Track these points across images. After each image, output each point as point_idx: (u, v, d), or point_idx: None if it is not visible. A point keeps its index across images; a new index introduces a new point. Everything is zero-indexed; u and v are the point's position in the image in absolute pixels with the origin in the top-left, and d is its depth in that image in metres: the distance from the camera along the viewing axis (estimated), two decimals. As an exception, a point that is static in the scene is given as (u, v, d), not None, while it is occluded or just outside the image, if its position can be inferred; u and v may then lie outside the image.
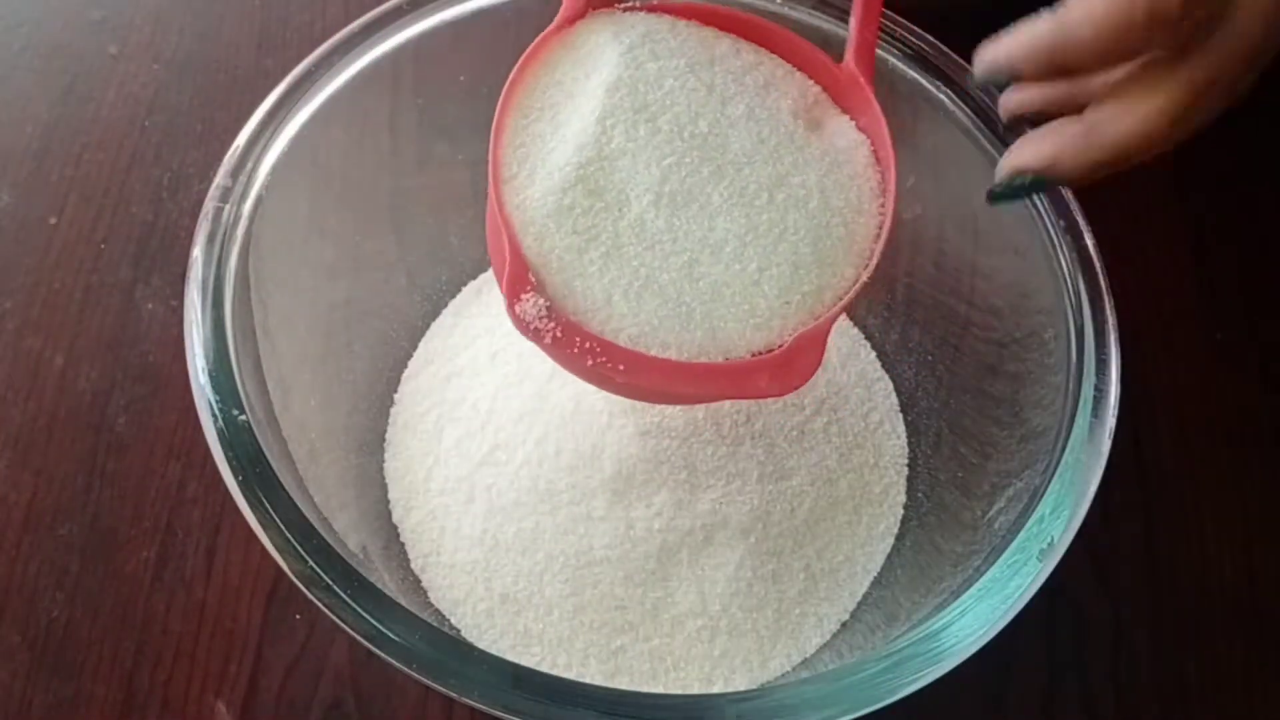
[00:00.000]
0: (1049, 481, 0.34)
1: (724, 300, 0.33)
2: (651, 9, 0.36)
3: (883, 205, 0.35)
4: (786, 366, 0.33)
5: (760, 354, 0.33)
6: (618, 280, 0.32)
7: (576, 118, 0.33)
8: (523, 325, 0.32)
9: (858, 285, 0.34)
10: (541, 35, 0.35)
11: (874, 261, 0.34)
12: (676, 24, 0.36)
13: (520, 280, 0.32)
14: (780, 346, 0.33)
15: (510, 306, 0.32)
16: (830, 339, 0.46)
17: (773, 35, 0.37)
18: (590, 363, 0.32)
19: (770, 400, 0.43)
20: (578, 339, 0.32)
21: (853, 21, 0.37)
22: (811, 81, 0.37)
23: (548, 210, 0.33)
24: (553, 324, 0.32)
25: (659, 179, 0.33)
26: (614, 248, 0.33)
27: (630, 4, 0.36)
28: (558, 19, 0.35)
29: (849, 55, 0.36)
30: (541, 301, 0.32)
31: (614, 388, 0.36)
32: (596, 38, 0.35)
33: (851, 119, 0.36)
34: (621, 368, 0.32)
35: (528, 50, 0.35)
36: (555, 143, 0.34)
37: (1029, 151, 0.33)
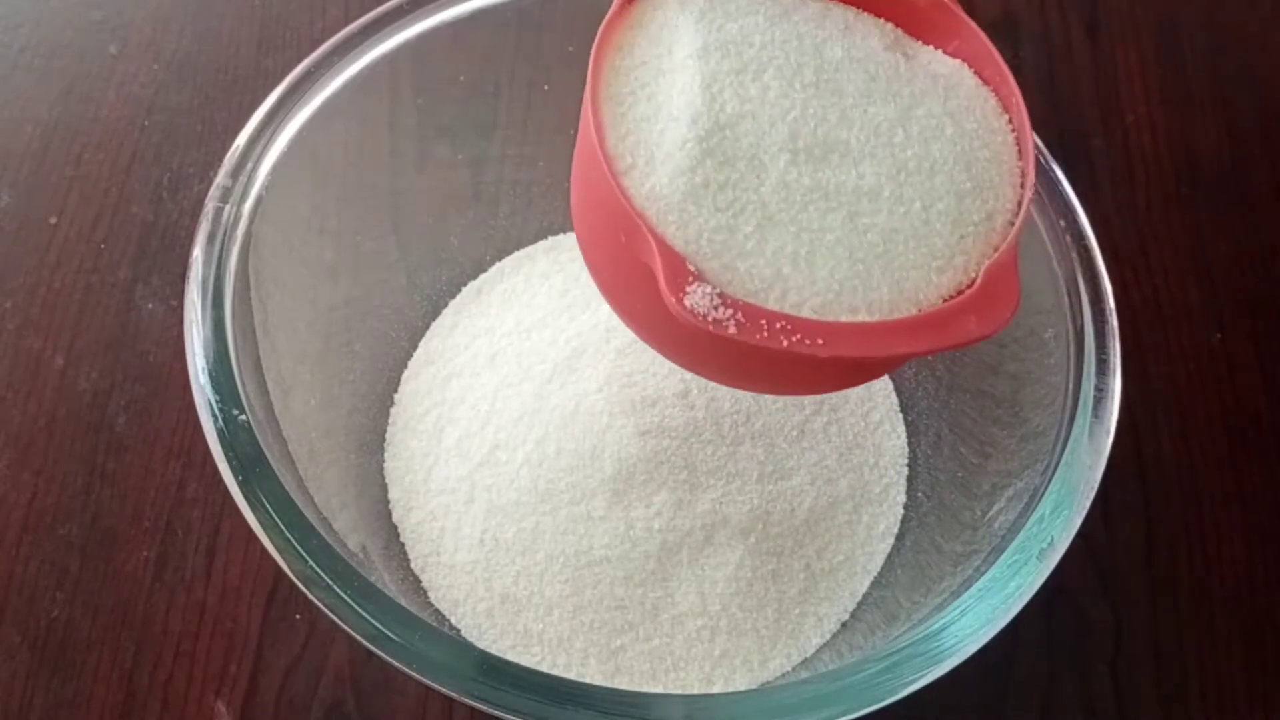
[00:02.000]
0: (1049, 481, 0.34)
1: (899, 248, 0.30)
2: None
3: (1011, 121, 0.33)
4: (987, 302, 0.30)
5: (951, 297, 0.31)
6: (781, 250, 0.30)
7: (677, 93, 0.31)
8: (697, 318, 0.29)
9: (1025, 205, 0.32)
10: (606, 20, 0.33)
11: (1030, 178, 0.32)
12: None
13: (680, 272, 0.29)
14: (970, 284, 0.31)
15: (679, 302, 0.29)
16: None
17: None
18: (785, 342, 0.29)
19: (770, 400, 0.43)
20: (763, 321, 0.29)
21: None
22: (884, 21, 0.35)
23: (681, 194, 0.30)
24: (731, 311, 0.29)
25: (788, 135, 0.31)
26: (765, 218, 0.30)
27: None
28: (616, 2, 0.33)
29: None
30: (710, 289, 0.29)
31: (804, 379, 0.33)
32: (662, 12, 0.33)
33: (937, 49, 0.34)
34: (820, 342, 0.29)
35: (597, 39, 0.32)
36: (662, 123, 0.31)
37: None
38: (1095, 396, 0.35)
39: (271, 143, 0.38)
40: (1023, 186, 0.32)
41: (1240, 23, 0.60)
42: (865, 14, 0.35)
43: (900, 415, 0.46)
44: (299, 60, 0.40)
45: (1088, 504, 0.34)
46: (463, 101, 0.45)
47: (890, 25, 0.35)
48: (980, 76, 0.34)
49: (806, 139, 0.31)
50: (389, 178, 0.46)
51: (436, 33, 0.41)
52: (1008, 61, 0.34)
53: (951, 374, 0.44)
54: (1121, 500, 0.47)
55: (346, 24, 0.41)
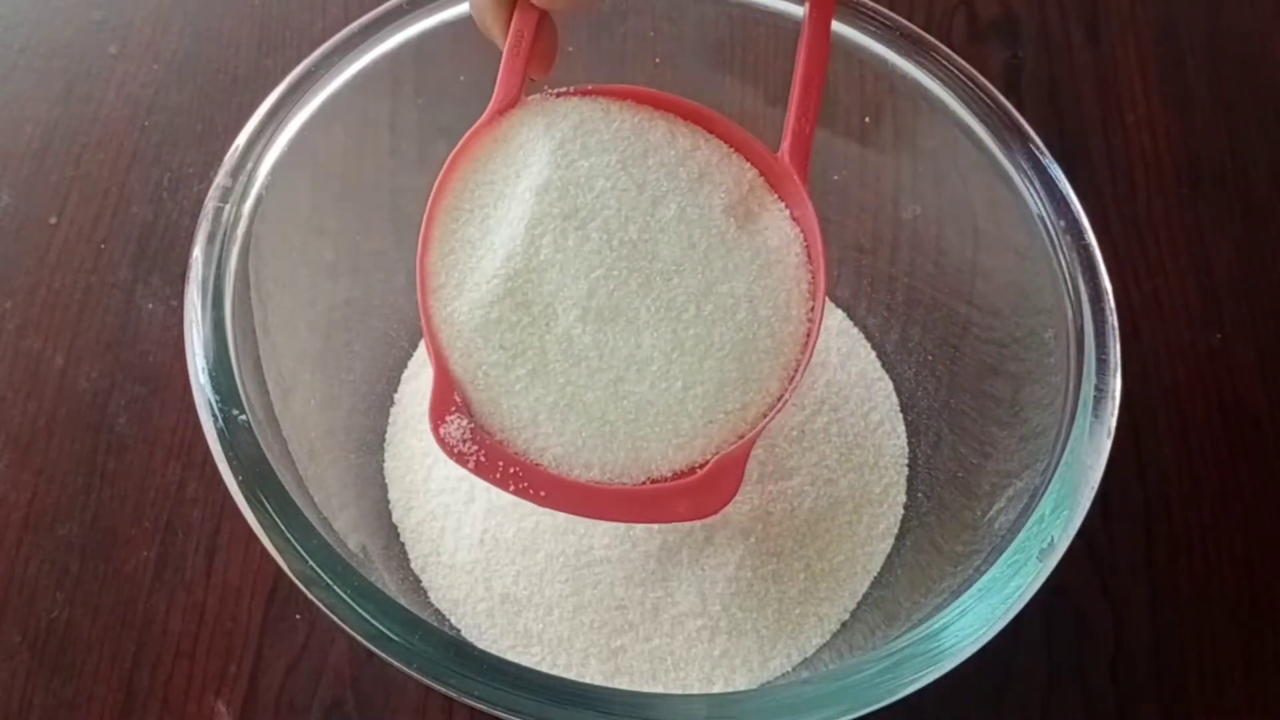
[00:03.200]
0: (1049, 481, 0.34)
1: (648, 420, 0.33)
2: (585, 93, 0.35)
3: (811, 310, 0.35)
4: (705, 491, 0.33)
5: (682, 473, 0.33)
6: (543, 398, 0.32)
7: (506, 224, 0.33)
8: (447, 448, 0.32)
9: (781, 404, 0.34)
10: (474, 127, 0.34)
11: (799, 377, 0.34)
12: (610, 109, 0.35)
13: (445, 402, 0.32)
14: (702, 466, 0.33)
15: (435, 429, 0.32)
16: (830, 339, 0.47)
17: (710, 119, 0.36)
18: (513, 488, 0.33)
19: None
20: (500, 463, 0.32)
21: (790, 110, 0.35)
22: (748, 165, 0.36)
23: (475, 324, 0.32)
24: (476, 448, 0.32)
25: (586, 292, 0.32)
26: (540, 364, 0.32)
27: (564, 90, 0.35)
28: (489, 109, 0.34)
29: (785, 146, 0.35)
30: (465, 423, 0.32)
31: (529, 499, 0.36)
32: (528, 131, 0.34)
33: (787, 207, 0.36)
34: (543, 494, 0.33)
35: (460, 143, 0.34)
36: (484, 250, 0.33)
37: None
38: (1095, 396, 0.35)
39: (271, 143, 0.38)
40: (791, 382, 0.34)
41: (1240, 23, 0.60)
42: (734, 154, 0.36)
43: (900, 415, 0.46)
44: (299, 60, 0.40)
45: (1088, 504, 0.34)
46: (463, 101, 0.45)
47: (753, 172, 0.36)
48: (809, 254, 0.35)
49: (600, 300, 0.33)
50: (389, 178, 0.46)
51: (436, 33, 0.41)
52: (1007, 62, 0.34)
53: (951, 374, 0.44)
54: (1121, 500, 0.47)
55: (346, 24, 0.41)
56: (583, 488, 0.33)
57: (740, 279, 0.34)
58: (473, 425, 0.32)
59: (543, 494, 0.33)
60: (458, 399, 0.32)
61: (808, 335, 0.34)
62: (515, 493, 0.32)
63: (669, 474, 0.33)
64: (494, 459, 0.32)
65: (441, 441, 0.32)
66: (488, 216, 0.33)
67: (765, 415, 0.34)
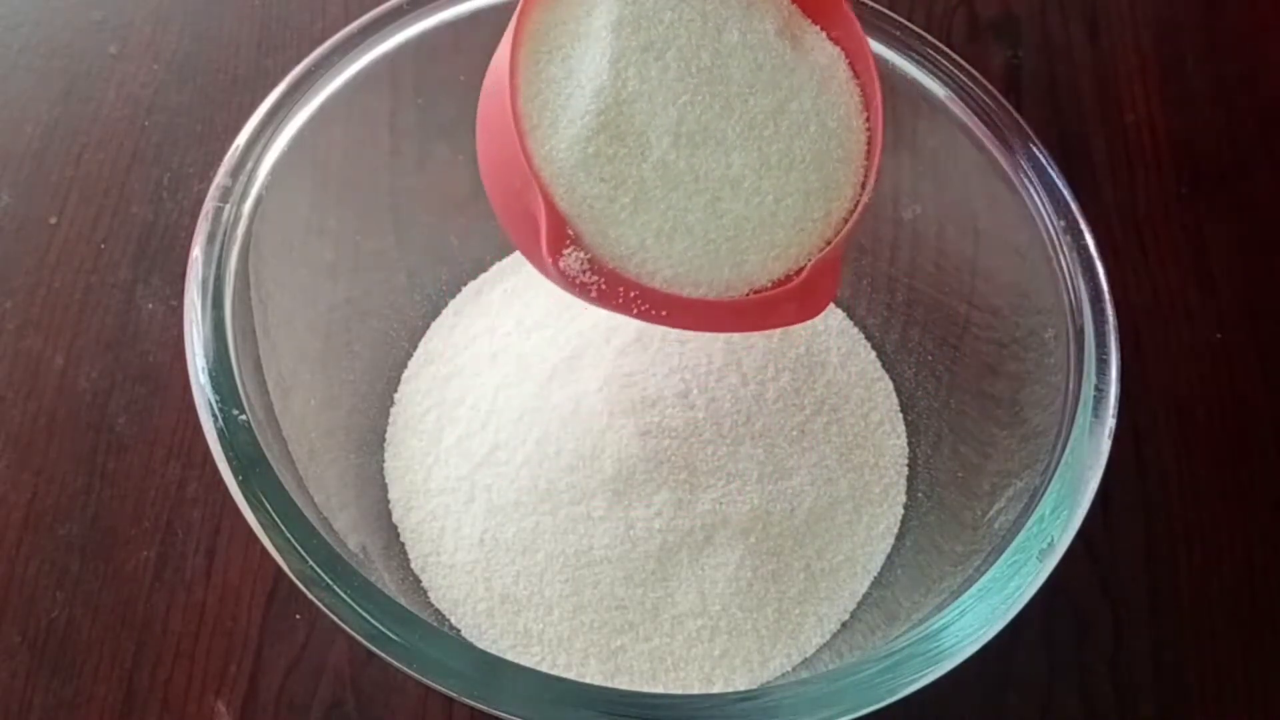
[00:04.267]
0: (1049, 481, 0.34)
1: (746, 235, 0.34)
2: None
3: (868, 120, 0.36)
4: (808, 293, 0.34)
5: (780, 281, 0.34)
6: (649, 224, 0.33)
7: (589, 61, 0.34)
8: (568, 281, 0.33)
9: (860, 208, 0.35)
10: None
11: (871, 181, 0.35)
12: None
13: (560, 236, 0.33)
14: (798, 273, 0.34)
15: (554, 263, 0.32)
16: (830, 339, 0.47)
17: None
18: (635, 311, 0.33)
19: (770, 400, 0.43)
20: (621, 289, 0.33)
21: None
22: None
23: (575, 160, 0.33)
24: (597, 277, 0.33)
25: (676, 119, 0.33)
26: (641, 193, 0.33)
27: None
28: None
29: None
30: (582, 255, 0.33)
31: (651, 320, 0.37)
32: None
33: (823, 31, 0.37)
34: (664, 313, 0.33)
35: None
36: (571, 88, 0.34)
37: None
38: (1095, 396, 0.35)
39: (271, 143, 0.38)
40: (863, 188, 0.35)
41: (1240, 23, 0.60)
42: None
43: (900, 415, 0.46)
44: (299, 60, 0.40)
45: (1088, 504, 0.34)
46: (463, 101, 0.45)
47: (787, 1, 0.37)
48: (853, 69, 0.36)
49: (690, 124, 0.33)
50: (389, 178, 0.46)
51: (436, 33, 0.41)
52: (1007, 62, 0.34)
53: (951, 374, 0.44)
54: (1121, 500, 0.47)
55: (346, 24, 0.41)
56: (699, 303, 0.34)
57: (805, 96, 0.35)
58: (590, 256, 0.33)
59: (664, 314, 0.33)
60: (569, 233, 0.33)
61: (869, 144, 0.36)
62: (638, 315, 0.33)
63: (769, 283, 0.34)
64: (614, 286, 0.33)
65: (562, 274, 0.33)
66: (568, 56, 0.34)
67: (846, 220, 0.35)
